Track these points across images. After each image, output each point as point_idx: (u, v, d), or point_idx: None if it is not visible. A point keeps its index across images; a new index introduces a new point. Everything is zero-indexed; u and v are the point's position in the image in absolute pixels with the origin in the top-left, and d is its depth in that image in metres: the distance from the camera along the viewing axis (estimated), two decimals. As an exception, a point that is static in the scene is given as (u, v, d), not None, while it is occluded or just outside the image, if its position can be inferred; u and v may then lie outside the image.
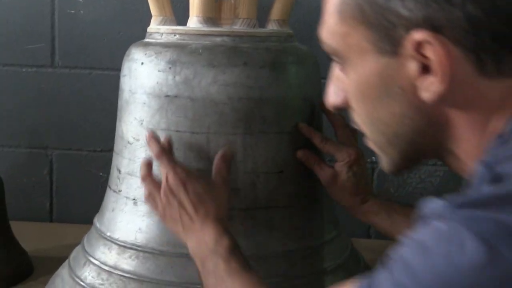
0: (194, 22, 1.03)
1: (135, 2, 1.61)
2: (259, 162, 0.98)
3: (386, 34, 0.57)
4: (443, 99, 0.57)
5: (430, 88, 0.56)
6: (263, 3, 1.12)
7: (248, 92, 0.97)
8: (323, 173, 1.01)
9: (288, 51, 1.03)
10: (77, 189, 1.70)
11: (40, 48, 1.63)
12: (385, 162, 0.67)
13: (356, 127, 0.68)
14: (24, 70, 1.64)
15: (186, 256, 0.94)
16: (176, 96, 0.97)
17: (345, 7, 0.60)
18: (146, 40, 1.07)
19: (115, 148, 1.09)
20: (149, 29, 1.08)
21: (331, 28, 0.63)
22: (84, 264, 1.05)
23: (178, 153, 0.97)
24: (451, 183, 1.59)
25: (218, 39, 1.00)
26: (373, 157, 1.45)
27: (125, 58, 1.07)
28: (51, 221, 1.72)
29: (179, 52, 0.98)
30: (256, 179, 0.98)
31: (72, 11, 1.62)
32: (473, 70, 0.56)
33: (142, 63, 1.01)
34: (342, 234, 1.12)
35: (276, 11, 1.11)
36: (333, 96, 0.68)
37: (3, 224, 1.37)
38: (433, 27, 0.55)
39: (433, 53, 0.55)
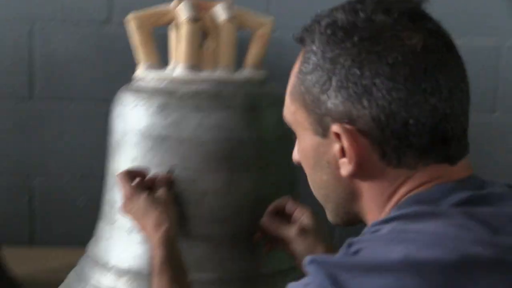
0: (180, 69, 1.15)
1: (111, 37, 1.71)
2: (242, 195, 1.10)
3: (319, 120, 0.71)
4: (355, 176, 0.71)
5: (344, 167, 0.70)
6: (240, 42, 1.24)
7: (231, 133, 1.10)
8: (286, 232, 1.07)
9: (264, 95, 1.16)
10: (57, 214, 1.79)
11: (20, 82, 1.72)
12: (327, 214, 0.81)
13: None
14: (3, 103, 1.73)
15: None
16: (166, 137, 1.09)
17: (294, 91, 0.75)
18: (135, 85, 1.18)
19: (107, 184, 1.19)
20: (137, 74, 1.19)
21: (287, 105, 0.77)
22: (83, 289, 1.15)
23: (169, 188, 1.09)
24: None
25: (203, 85, 1.12)
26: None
27: (115, 102, 1.18)
28: (31, 245, 1.81)
29: (169, 98, 1.10)
30: (240, 210, 1.11)
31: (51, 47, 1.71)
32: (378, 158, 0.69)
33: (134, 106, 1.12)
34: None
35: (251, 56, 1.24)
36: (295, 154, 0.82)
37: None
38: (350, 120, 0.68)
39: (345, 141, 0.69)
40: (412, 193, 0.70)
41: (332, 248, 1.01)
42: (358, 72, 0.67)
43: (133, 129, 1.12)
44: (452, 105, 0.68)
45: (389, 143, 0.68)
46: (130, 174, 1.08)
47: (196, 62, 1.15)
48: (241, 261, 1.11)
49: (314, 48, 0.71)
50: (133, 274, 1.10)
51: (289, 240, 1.04)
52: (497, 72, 1.76)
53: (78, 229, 1.79)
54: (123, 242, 1.13)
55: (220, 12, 1.16)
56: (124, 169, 1.09)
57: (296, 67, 0.75)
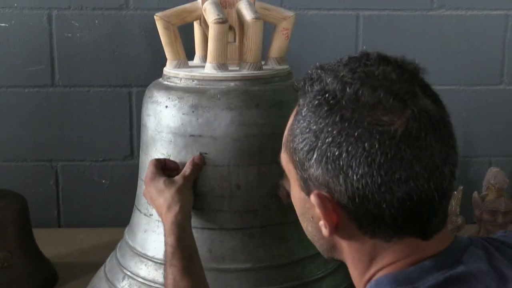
0: (209, 68, 1.19)
1: (129, 22, 1.75)
2: (272, 186, 1.16)
3: (304, 181, 0.75)
4: (335, 235, 0.75)
5: (323, 228, 0.74)
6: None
7: (261, 129, 1.15)
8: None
9: (291, 90, 1.20)
10: (81, 196, 1.86)
11: (41, 70, 1.76)
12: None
13: None
14: (26, 90, 1.77)
15: (215, 270, 1.13)
16: (200, 136, 1.15)
17: (286, 143, 0.79)
18: (165, 83, 1.22)
19: (142, 177, 1.24)
20: (166, 72, 1.24)
21: (282, 153, 0.82)
22: (123, 278, 1.22)
23: (203, 183, 1.15)
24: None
25: (232, 83, 1.17)
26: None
27: (147, 99, 1.23)
28: (59, 226, 1.88)
29: (200, 97, 1.15)
30: (270, 201, 1.17)
31: (69, 35, 1.75)
32: (355, 227, 0.73)
33: (166, 106, 1.17)
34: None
35: (274, 50, 1.28)
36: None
37: (29, 238, 1.53)
38: (329, 190, 0.72)
39: (323, 209, 0.73)
40: (390, 272, 0.73)
41: None
42: (336, 152, 0.69)
43: (166, 128, 1.17)
44: (429, 190, 0.69)
45: (364, 219, 0.71)
46: (158, 161, 1.15)
47: (224, 60, 1.19)
48: (272, 249, 1.18)
49: (303, 112, 0.74)
50: (172, 265, 1.17)
51: None
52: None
53: (102, 209, 1.87)
54: (160, 234, 1.19)
55: (245, 11, 1.20)
56: (155, 158, 1.16)
57: (291, 119, 0.79)
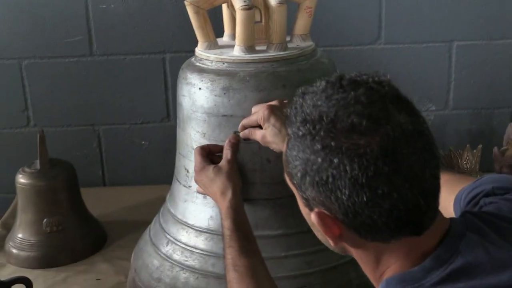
0: (237, 50, 1.27)
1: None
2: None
3: (305, 200, 0.83)
4: (342, 242, 0.84)
5: (328, 239, 0.83)
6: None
7: (288, 107, 1.24)
8: (257, 134, 1.20)
9: (315, 68, 1.29)
10: (123, 156, 1.99)
11: (79, 41, 1.86)
12: None
13: None
14: (67, 60, 1.88)
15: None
16: (231, 115, 1.24)
17: (285, 168, 0.86)
18: (198, 64, 1.31)
19: (181, 151, 1.36)
20: (198, 54, 1.33)
21: (285, 173, 0.88)
22: (167, 243, 1.35)
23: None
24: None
25: (260, 65, 1.25)
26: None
27: (181, 80, 1.32)
28: (104, 185, 2.02)
29: (231, 80, 1.24)
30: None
31: (104, 6, 1.83)
32: (355, 235, 0.81)
33: (200, 88, 1.27)
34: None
35: (298, 27, 1.36)
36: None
37: (79, 202, 1.67)
38: (326, 208, 0.80)
39: (324, 225, 0.81)
40: (397, 272, 0.82)
41: None
42: (324, 176, 0.77)
43: (201, 108, 1.27)
44: (413, 197, 0.76)
45: (361, 228, 0.80)
46: (203, 149, 1.25)
47: (251, 43, 1.27)
48: (300, 216, 1.28)
49: (292, 142, 0.81)
50: (210, 233, 1.29)
51: None
52: None
53: (142, 168, 2.00)
54: (199, 205, 1.31)
55: (270, -6, 1.27)
56: (199, 145, 1.26)
57: (284, 146, 0.86)
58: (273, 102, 1.20)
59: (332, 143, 0.76)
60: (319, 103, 0.79)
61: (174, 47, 1.87)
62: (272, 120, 1.16)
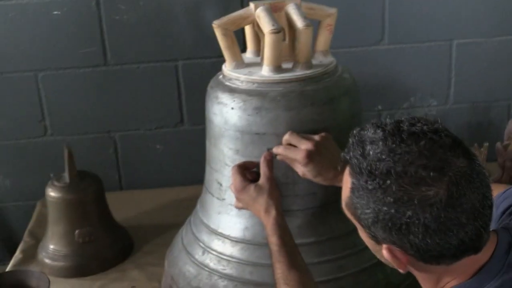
0: (266, 70, 1.35)
1: (170, 3, 1.88)
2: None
3: (372, 235, 0.91)
4: (410, 268, 0.94)
5: (396, 267, 0.94)
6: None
7: (316, 124, 1.32)
8: (298, 170, 1.27)
9: (338, 84, 1.37)
10: (138, 161, 2.06)
11: (94, 51, 1.91)
12: None
13: None
14: (81, 70, 1.93)
15: (285, 245, 1.34)
16: (264, 134, 1.32)
17: (349, 204, 0.94)
18: (227, 84, 1.38)
19: (213, 165, 1.43)
20: (227, 74, 1.39)
21: (345, 209, 0.97)
22: (203, 253, 1.43)
23: (269, 173, 1.33)
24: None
25: (288, 85, 1.33)
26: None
27: (212, 99, 1.38)
28: (121, 189, 2.08)
29: (262, 100, 1.31)
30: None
31: (117, 17, 1.88)
32: (422, 263, 0.91)
33: (232, 108, 1.34)
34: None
35: (320, 43, 1.43)
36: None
37: (107, 213, 1.73)
38: (397, 245, 0.89)
39: (394, 259, 0.91)
40: (456, 284, 0.93)
41: None
42: (397, 224, 0.86)
43: (233, 126, 1.34)
44: (477, 230, 0.86)
45: (429, 259, 0.90)
46: (241, 168, 1.32)
47: (279, 63, 1.34)
48: (331, 224, 1.37)
49: (360, 192, 0.89)
50: (246, 243, 1.37)
51: None
52: None
53: (157, 172, 2.07)
54: (234, 216, 1.39)
55: (295, 16, 1.33)
56: (234, 163, 1.33)
57: (348, 181, 0.92)
58: (311, 145, 1.24)
59: (404, 196, 0.85)
60: (383, 157, 0.87)
61: (186, 55, 1.92)
62: (310, 166, 1.24)
